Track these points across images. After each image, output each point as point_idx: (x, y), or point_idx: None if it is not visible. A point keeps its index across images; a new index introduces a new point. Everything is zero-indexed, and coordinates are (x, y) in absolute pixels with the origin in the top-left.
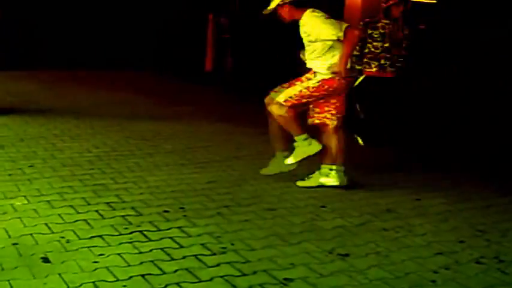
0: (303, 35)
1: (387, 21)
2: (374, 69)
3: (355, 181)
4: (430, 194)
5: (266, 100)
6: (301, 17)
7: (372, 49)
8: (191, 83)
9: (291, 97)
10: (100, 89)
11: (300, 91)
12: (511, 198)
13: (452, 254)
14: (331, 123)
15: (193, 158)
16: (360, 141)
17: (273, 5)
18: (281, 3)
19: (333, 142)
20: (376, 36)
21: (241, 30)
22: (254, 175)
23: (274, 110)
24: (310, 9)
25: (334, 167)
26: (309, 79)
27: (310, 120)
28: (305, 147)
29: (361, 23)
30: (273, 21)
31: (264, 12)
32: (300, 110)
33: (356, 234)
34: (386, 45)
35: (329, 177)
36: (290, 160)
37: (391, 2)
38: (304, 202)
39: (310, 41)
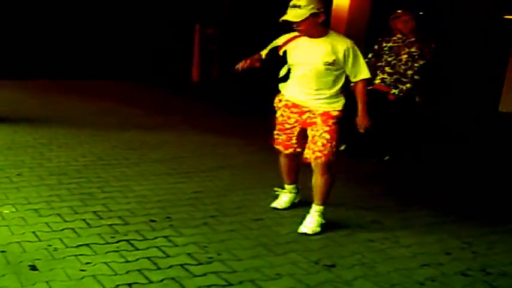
0: (319, 58)
1: (400, 37)
2: (377, 82)
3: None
4: (416, 206)
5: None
6: (323, 36)
7: (382, 63)
8: (178, 93)
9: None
10: (87, 99)
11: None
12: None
13: (438, 266)
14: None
15: (179, 167)
16: (343, 147)
17: (304, 15)
18: (316, 12)
19: (321, 180)
20: (385, 49)
21: (228, 40)
22: (240, 185)
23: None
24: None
25: None
26: (314, 120)
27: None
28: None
29: (379, 39)
30: (261, 32)
31: (292, 19)
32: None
33: (342, 245)
34: (391, 59)
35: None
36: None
37: (396, 15)
38: (290, 212)
39: (334, 68)
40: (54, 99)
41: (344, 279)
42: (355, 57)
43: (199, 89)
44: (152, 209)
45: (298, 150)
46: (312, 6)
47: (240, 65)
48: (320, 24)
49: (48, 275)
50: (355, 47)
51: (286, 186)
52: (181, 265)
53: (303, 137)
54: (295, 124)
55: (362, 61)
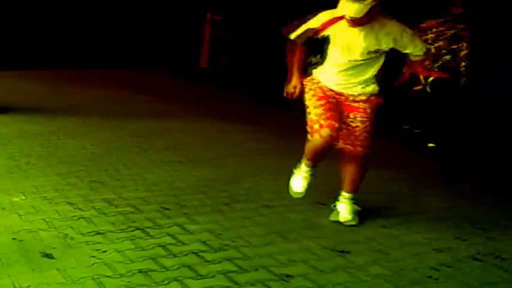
0: (366, 47)
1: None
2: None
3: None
4: (429, 191)
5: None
6: (382, 23)
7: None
8: (186, 80)
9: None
10: (96, 87)
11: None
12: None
13: (451, 251)
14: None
15: (189, 154)
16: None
17: (366, 9)
18: (375, 3)
19: (354, 169)
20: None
21: (236, 28)
22: (250, 172)
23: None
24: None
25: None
26: (363, 112)
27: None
28: None
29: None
30: (268, 20)
31: (355, 15)
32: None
33: (355, 231)
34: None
35: None
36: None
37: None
38: (302, 199)
39: (376, 55)
40: (62, 88)
41: (357, 264)
42: (409, 35)
43: (208, 76)
44: (164, 197)
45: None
46: None
47: (291, 92)
48: (376, 14)
49: (61, 261)
50: (405, 27)
51: (307, 167)
52: (194, 252)
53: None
54: (336, 102)
55: (417, 37)
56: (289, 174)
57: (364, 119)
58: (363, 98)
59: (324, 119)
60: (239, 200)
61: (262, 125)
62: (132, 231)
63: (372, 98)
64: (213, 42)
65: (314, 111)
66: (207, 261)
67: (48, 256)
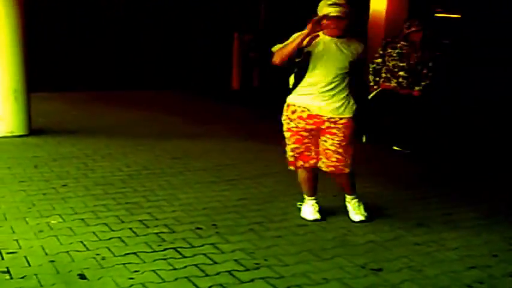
0: (342, 61)
1: (405, 43)
2: (393, 85)
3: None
4: (461, 208)
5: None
6: (350, 40)
7: (391, 67)
8: (219, 101)
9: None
10: (128, 108)
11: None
12: None
13: (486, 268)
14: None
15: (224, 175)
16: (364, 139)
17: (348, 11)
18: (348, 12)
19: (344, 178)
20: (394, 55)
21: (266, 47)
22: (284, 191)
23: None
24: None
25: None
26: (333, 130)
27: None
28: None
29: (383, 41)
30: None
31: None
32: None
33: (388, 248)
34: (403, 64)
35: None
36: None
37: (413, 29)
38: (335, 218)
39: (346, 72)
40: (96, 110)
41: (392, 282)
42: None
43: (240, 96)
44: (198, 217)
45: (318, 160)
46: (349, 6)
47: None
48: (347, 26)
49: (97, 283)
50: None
51: (308, 198)
52: (229, 271)
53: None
54: (314, 133)
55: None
56: (323, 193)
57: (342, 141)
58: (344, 121)
59: (297, 153)
60: (273, 220)
61: None
62: (166, 251)
63: (350, 121)
64: (243, 62)
65: (289, 144)
66: (241, 281)
67: (85, 278)
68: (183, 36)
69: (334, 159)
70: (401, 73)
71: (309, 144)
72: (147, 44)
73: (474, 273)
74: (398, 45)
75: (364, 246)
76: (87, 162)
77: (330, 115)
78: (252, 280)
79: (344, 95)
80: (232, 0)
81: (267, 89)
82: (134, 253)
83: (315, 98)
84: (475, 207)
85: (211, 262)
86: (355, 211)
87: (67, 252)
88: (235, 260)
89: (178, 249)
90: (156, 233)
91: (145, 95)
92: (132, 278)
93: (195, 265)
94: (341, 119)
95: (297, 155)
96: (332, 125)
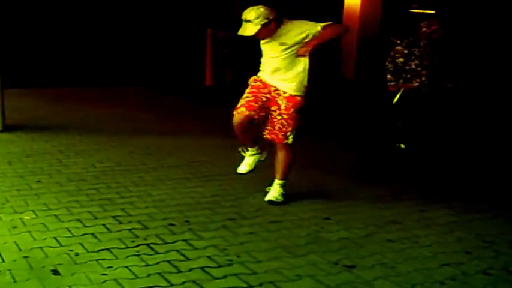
0: (278, 47)
1: (426, 42)
2: (415, 84)
3: (357, 192)
4: (435, 205)
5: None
6: (278, 30)
7: (413, 66)
8: (191, 98)
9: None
10: (101, 105)
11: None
12: None
13: (459, 265)
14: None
15: (197, 172)
16: (402, 145)
17: (255, 29)
18: (266, 22)
19: (280, 157)
20: (417, 54)
21: (240, 44)
22: (258, 188)
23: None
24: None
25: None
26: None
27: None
28: None
29: (405, 40)
30: None
31: (247, 34)
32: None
33: (361, 245)
34: (427, 63)
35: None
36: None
37: (433, 28)
38: (308, 214)
39: (285, 49)
40: (69, 106)
41: (364, 279)
42: (309, 29)
43: (213, 93)
44: (171, 213)
45: (256, 117)
46: (261, 18)
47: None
48: (274, 28)
49: (70, 279)
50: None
51: (240, 148)
52: (201, 268)
53: (264, 111)
54: (267, 95)
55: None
56: (298, 191)
57: (284, 113)
58: (287, 95)
59: (245, 101)
60: (246, 216)
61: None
62: (139, 247)
63: (297, 98)
64: (216, 59)
65: (243, 96)
66: (214, 277)
67: (58, 273)
68: (155, 33)
69: (276, 127)
70: (424, 72)
71: (259, 96)
72: (119, 40)
73: (447, 270)
74: (421, 43)
75: (337, 243)
76: (60, 159)
77: (276, 87)
78: (225, 276)
79: (288, 77)
80: None
81: (240, 85)
82: (107, 249)
83: (268, 77)
84: (449, 205)
85: (184, 258)
86: (273, 192)
87: (40, 248)
88: (208, 257)
89: (151, 245)
90: (129, 229)
91: (118, 91)
92: (105, 274)
93: (168, 261)
94: (285, 92)
95: (243, 101)
96: (277, 96)
